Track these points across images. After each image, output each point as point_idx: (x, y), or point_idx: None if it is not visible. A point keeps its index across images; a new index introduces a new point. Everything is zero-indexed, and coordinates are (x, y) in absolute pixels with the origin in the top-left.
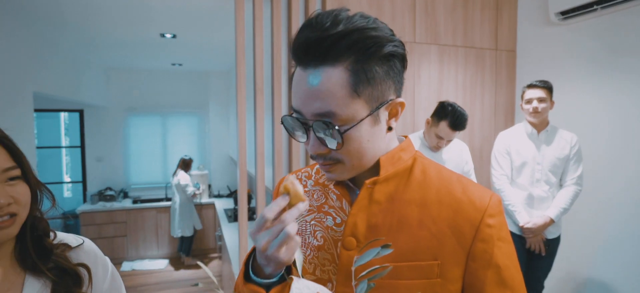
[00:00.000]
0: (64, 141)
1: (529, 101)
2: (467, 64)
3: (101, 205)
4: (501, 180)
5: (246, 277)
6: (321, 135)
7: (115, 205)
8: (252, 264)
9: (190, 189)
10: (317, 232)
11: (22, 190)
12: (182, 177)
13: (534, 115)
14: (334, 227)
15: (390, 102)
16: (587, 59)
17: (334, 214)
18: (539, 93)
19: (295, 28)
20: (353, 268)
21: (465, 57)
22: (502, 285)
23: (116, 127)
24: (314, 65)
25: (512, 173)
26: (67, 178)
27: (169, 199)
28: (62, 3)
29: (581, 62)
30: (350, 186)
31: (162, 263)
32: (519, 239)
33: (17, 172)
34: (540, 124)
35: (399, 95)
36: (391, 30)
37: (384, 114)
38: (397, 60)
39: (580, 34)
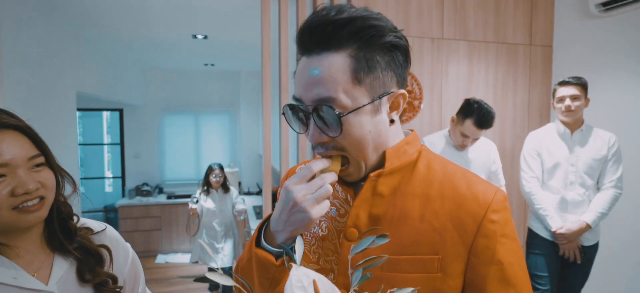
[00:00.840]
0: (106, 139)
1: (562, 99)
2: (499, 61)
3: (138, 200)
4: (531, 183)
5: (257, 243)
6: (320, 122)
7: (151, 200)
8: (264, 232)
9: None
10: (322, 222)
11: (47, 176)
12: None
13: (567, 114)
14: (337, 218)
15: (391, 93)
16: (631, 53)
17: (338, 205)
18: (572, 90)
19: None
20: (350, 257)
21: (497, 53)
22: (504, 282)
23: (152, 125)
24: (317, 51)
25: (543, 175)
26: (108, 174)
27: None
28: (102, 5)
29: (623, 56)
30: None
31: (196, 257)
32: (552, 245)
33: (41, 159)
34: (574, 123)
35: (401, 88)
36: (395, 26)
37: (385, 105)
38: (399, 52)
39: (623, 27)
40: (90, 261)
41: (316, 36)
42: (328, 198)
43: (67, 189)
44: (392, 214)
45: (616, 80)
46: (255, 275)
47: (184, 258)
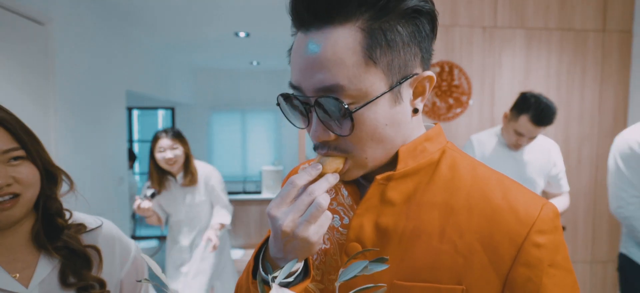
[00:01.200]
0: None
1: None
2: (563, 50)
3: None
4: (634, 204)
5: (255, 274)
6: (325, 116)
7: None
8: (263, 257)
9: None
10: (325, 233)
11: (25, 171)
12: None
13: None
14: (339, 228)
15: (415, 76)
16: None
17: (341, 213)
18: None
19: None
20: (336, 285)
21: (561, 41)
22: None
23: (201, 123)
24: (317, 25)
25: None
26: None
27: (246, 192)
28: (146, 6)
29: None
30: (362, 182)
31: (239, 253)
32: None
33: (19, 152)
34: None
35: (426, 69)
36: None
37: (407, 91)
38: (425, 20)
39: None
40: (75, 263)
41: (314, 5)
42: (324, 212)
43: (64, 187)
44: (403, 227)
45: None
46: None
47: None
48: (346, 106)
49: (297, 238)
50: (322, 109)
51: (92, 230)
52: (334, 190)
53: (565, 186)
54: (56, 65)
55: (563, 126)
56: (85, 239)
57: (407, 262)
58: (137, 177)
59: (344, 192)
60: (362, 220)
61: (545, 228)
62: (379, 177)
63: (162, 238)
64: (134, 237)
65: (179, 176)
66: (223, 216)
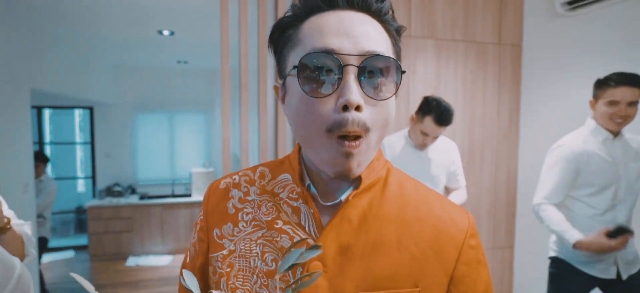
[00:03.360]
0: (78, 138)
1: (614, 103)
2: (468, 60)
3: (108, 201)
4: (545, 203)
5: None
6: (369, 78)
7: (122, 200)
8: None
9: None
10: (267, 255)
11: None
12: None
13: (617, 123)
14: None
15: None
16: (599, 52)
17: (290, 232)
18: (631, 93)
19: None
20: (277, 277)
21: (466, 52)
22: None
23: (125, 124)
24: (356, 9)
25: (580, 193)
26: (80, 174)
27: (175, 195)
28: None
29: (592, 56)
30: (315, 197)
31: (167, 259)
32: (580, 278)
33: None
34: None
35: None
36: None
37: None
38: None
39: (589, 25)
40: None
41: None
42: None
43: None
44: (364, 242)
45: (586, 79)
46: None
47: (156, 260)
48: (401, 69)
49: None
50: (368, 70)
51: None
52: (275, 209)
53: (462, 181)
54: None
55: (468, 128)
56: None
57: (370, 274)
58: (55, 183)
59: (287, 209)
60: (326, 239)
61: (474, 233)
62: (351, 194)
63: (78, 248)
64: (48, 249)
65: None
66: None
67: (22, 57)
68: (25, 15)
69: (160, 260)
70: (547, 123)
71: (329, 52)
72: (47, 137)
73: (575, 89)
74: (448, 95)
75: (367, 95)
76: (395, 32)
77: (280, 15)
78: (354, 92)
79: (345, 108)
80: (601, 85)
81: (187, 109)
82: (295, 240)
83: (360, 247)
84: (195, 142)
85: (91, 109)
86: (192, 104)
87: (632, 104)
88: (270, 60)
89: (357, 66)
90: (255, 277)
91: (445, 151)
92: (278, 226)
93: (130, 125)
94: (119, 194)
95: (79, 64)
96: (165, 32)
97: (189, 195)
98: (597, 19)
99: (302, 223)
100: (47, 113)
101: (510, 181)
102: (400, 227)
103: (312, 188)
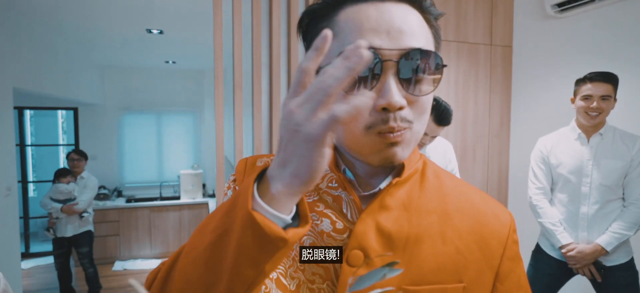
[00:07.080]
0: (62, 139)
1: (588, 97)
2: (460, 60)
3: (94, 204)
4: (538, 195)
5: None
6: (409, 74)
7: (108, 204)
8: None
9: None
10: (305, 238)
11: None
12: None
13: (592, 117)
14: (332, 233)
15: None
16: (588, 53)
17: (333, 217)
18: (602, 89)
19: (276, 22)
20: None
21: (457, 52)
22: None
23: (111, 125)
24: (396, 0)
25: (555, 186)
26: None
27: (164, 198)
28: None
29: (581, 56)
30: (354, 184)
31: (155, 263)
32: (558, 265)
33: None
34: (593, 127)
35: None
36: None
37: None
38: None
39: (579, 27)
40: None
41: None
42: (333, 97)
43: None
44: (407, 233)
45: (572, 80)
46: (238, 254)
47: (144, 264)
48: (440, 61)
49: (295, 125)
50: (408, 67)
51: None
52: (316, 193)
53: None
54: None
55: (461, 128)
56: None
57: (414, 267)
58: (95, 178)
59: (328, 198)
60: (365, 227)
61: (515, 228)
62: (394, 180)
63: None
64: (30, 255)
65: None
66: None
67: (4, 56)
68: (4, 13)
69: (148, 264)
70: (537, 122)
71: (369, 50)
72: (28, 139)
73: (565, 89)
74: (441, 95)
75: (408, 93)
76: (434, 20)
77: (275, 14)
78: (396, 93)
79: (385, 109)
80: (579, 82)
81: (175, 109)
82: (337, 226)
83: (403, 238)
84: (183, 143)
85: (76, 110)
86: (180, 105)
87: (605, 97)
88: (264, 60)
89: (397, 62)
90: (290, 260)
91: (442, 150)
92: (319, 209)
93: (116, 127)
94: (105, 197)
95: (63, 62)
96: (155, 31)
97: (178, 198)
98: (586, 21)
99: (344, 211)
100: (28, 114)
101: (501, 179)
102: (442, 219)
103: (348, 173)
